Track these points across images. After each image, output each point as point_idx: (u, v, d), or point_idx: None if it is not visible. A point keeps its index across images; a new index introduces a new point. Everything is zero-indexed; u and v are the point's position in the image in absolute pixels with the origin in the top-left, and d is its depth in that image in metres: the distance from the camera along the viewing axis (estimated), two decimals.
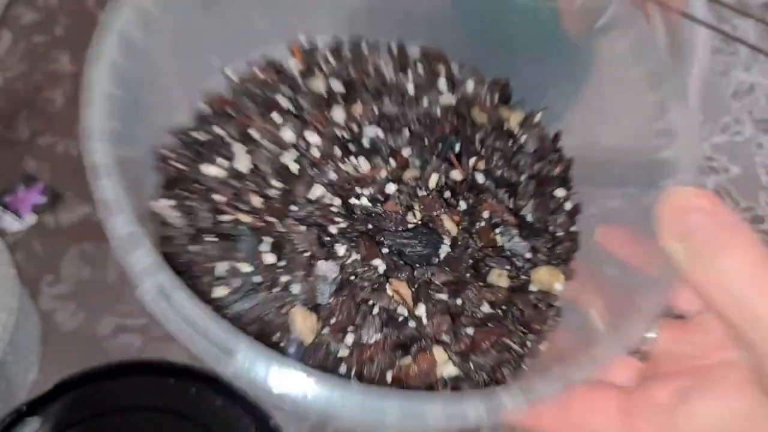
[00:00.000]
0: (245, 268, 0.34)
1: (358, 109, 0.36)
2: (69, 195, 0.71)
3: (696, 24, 0.74)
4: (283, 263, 0.34)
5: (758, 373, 0.26)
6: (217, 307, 0.33)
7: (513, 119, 0.39)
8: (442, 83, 0.39)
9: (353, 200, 0.35)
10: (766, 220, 0.70)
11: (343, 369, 0.33)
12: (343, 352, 0.33)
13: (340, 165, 0.35)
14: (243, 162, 0.35)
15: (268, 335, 0.33)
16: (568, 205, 0.38)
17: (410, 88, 0.38)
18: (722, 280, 0.26)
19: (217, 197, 0.35)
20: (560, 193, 0.38)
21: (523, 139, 0.37)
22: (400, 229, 0.34)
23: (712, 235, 0.26)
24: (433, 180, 0.35)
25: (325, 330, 0.33)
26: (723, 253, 0.26)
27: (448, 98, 0.38)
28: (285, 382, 0.26)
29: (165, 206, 0.34)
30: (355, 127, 0.36)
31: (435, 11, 0.37)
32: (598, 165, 0.38)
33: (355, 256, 0.34)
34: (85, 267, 0.67)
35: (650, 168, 0.32)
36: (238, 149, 0.36)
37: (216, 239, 0.34)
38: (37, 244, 0.68)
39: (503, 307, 0.35)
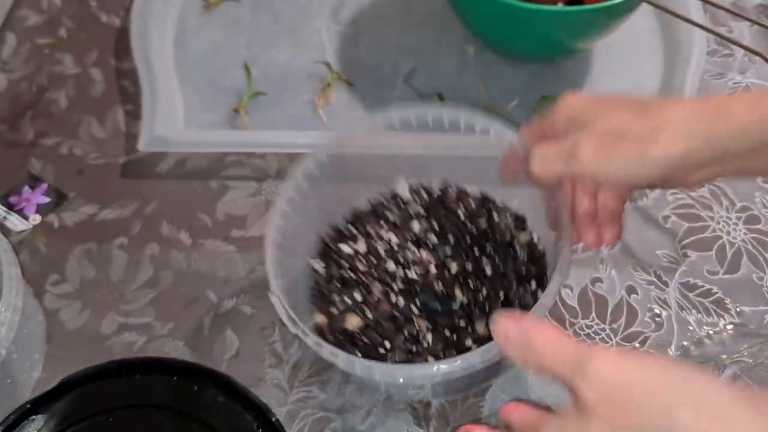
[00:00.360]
0: (347, 300, 0.60)
1: (425, 224, 0.63)
2: (73, 195, 0.72)
3: (692, 26, 0.75)
4: (366, 300, 0.60)
5: (575, 398, 0.40)
6: (332, 318, 0.59)
7: (522, 238, 0.62)
8: (483, 213, 0.63)
9: (408, 272, 0.60)
10: (762, 220, 0.71)
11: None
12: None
13: (408, 253, 0.61)
14: (361, 246, 0.62)
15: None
16: (539, 293, 0.59)
17: (461, 214, 0.63)
18: (538, 358, 0.42)
19: (343, 262, 0.62)
20: (534, 285, 0.60)
21: (518, 250, 0.61)
22: (430, 292, 0.59)
23: (523, 338, 0.42)
24: (453, 267, 0.60)
25: (372, 332, 0.58)
26: (534, 342, 0.42)
27: (483, 223, 0.63)
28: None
29: (317, 263, 0.62)
30: (423, 234, 0.63)
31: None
32: None
33: (402, 302, 0.59)
34: (89, 266, 0.68)
35: None
36: (360, 239, 0.63)
37: (339, 284, 0.61)
38: (41, 244, 0.69)
39: (481, 343, 0.54)
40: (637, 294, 0.66)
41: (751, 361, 0.62)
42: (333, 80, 0.77)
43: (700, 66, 0.75)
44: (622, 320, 0.65)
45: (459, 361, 0.49)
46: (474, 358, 0.50)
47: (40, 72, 0.80)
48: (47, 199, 0.71)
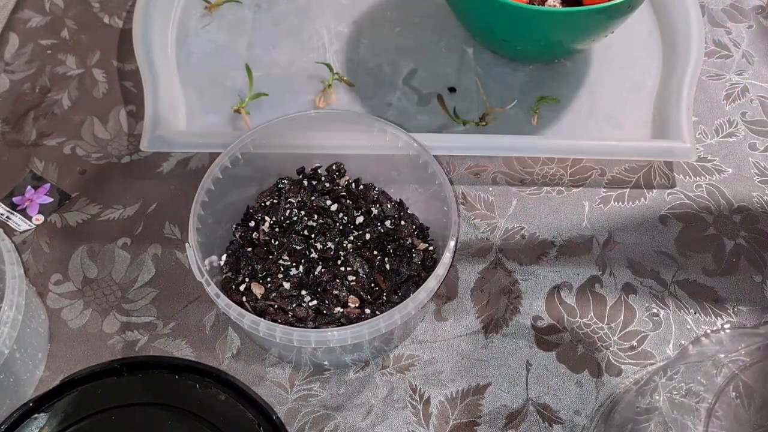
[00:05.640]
0: (255, 266, 0.64)
1: (342, 212, 0.68)
2: (75, 195, 0.72)
3: (690, 28, 0.75)
4: (268, 271, 0.64)
5: None
6: (238, 278, 0.65)
7: (421, 246, 0.67)
8: (392, 217, 0.68)
9: (313, 251, 0.66)
10: (760, 220, 0.71)
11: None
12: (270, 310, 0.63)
13: (318, 234, 0.67)
14: (276, 218, 0.67)
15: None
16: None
17: (374, 211, 0.68)
18: None
19: (259, 234, 0.66)
20: (432, 284, 0.60)
21: (414, 254, 0.66)
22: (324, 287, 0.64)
23: None
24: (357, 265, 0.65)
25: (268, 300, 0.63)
26: None
27: (389, 225, 0.68)
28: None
29: (237, 231, 0.67)
30: (337, 219, 0.68)
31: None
32: None
33: (301, 273, 0.65)
34: (91, 266, 0.68)
35: None
36: (277, 211, 0.67)
37: (250, 251, 0.66)
38: (44, 244, 0.69)
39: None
40: (635, 293, 0.66)
41: (748, 360, 0.62)
42: (334, 81, 0.78)
43: (698, 67, 0.75)
44: (620, 319, 0.65)
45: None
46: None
47: (43, 73, 0.80)
48: (50, 199, 0.72)
